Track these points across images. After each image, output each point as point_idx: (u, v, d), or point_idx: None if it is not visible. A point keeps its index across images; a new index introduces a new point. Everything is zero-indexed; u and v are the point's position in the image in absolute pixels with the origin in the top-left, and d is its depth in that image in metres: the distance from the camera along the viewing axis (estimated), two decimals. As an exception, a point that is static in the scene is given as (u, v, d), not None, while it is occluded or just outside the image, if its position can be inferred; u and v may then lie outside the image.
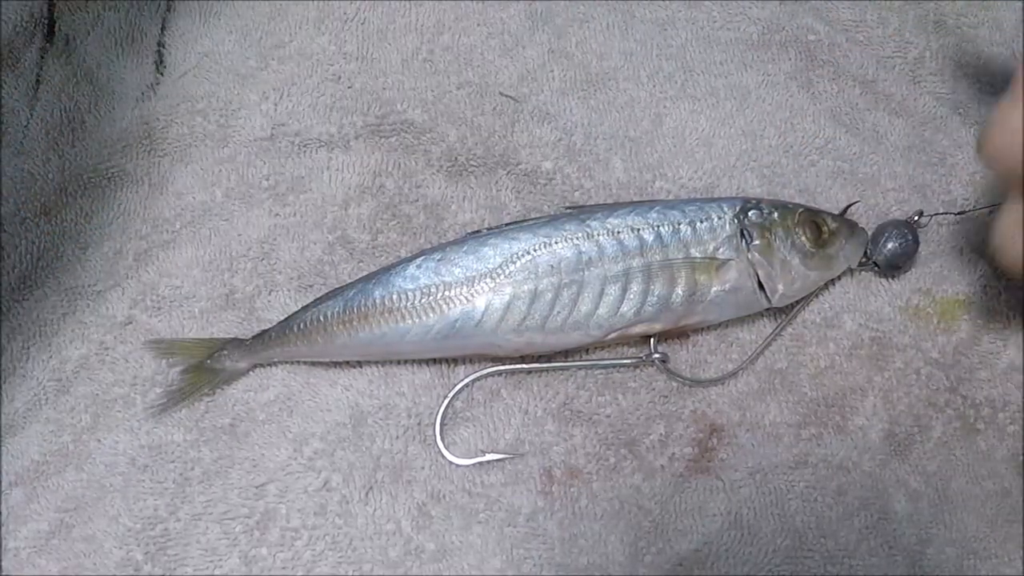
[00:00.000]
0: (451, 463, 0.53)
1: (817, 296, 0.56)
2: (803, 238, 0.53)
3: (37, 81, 0.64)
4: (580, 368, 0.55)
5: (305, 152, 0.61)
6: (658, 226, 0.53)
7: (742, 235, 0.53)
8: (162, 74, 0.64)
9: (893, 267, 0.55)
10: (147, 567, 0.52)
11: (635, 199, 0.58)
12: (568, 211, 0.56)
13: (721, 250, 0.53)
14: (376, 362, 0.55)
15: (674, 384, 0.55)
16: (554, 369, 0.55)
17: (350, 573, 0.51)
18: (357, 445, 0.54)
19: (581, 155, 0.60)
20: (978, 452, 0.53)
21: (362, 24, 0.64)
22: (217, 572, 0.52)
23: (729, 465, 0.53)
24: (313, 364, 0.56)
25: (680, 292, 0.52)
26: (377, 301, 0.53)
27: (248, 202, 0.60)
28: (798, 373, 0.55)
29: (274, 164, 0.60)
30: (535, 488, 0.52)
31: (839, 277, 0.56)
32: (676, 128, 0.60)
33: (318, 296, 0.56)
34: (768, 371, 0.55)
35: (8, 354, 0.57)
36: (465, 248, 0.54)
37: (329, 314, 0.54)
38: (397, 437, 0.54)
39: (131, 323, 0.57)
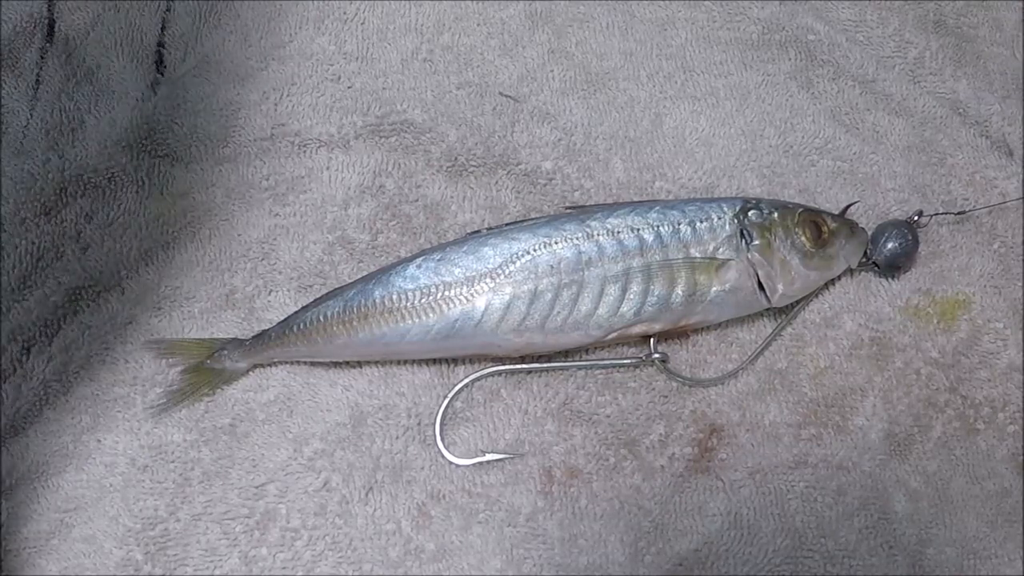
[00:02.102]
0: (451, 463, 0.53)
1: (817, 296, 0.56)
2: (803, 238, 0.53)
3: (37, 81, 0.64)
4: (580, 368, 0.55)
5: (305, 152, 0.61)
6: (658, 226, 0.53)
7: (742, 235, 0.53)
8: (162, 74, 0.64)
9: (893, 267, 0.55)
10: (147, 567, 0.52)
11: (635, 199, 0.58)
12: (568, 211, 0.56)
13: (721, 250, 0.53)
14: (376, 362, 0.55)
15: (674, 384, 0.55)
16: (554, 369, 0.55)
17: (350, 573, 0.51)
18: (357, 445, 0.54)
19: (581, 155, 0.60)
20: (978, 452, 0.53)
21: (362, 24, 0.64)
22: (217, 572, 0.52)
23: (729, 465, 0.53)
24: (313, 364, 0.56)
25: (680, 292, 0.52)
26: (377, 301, 0.53)
27: (248, 202, 0.60)
28: (798, 373, 0.55)
29: (274, 164, 0.60)
30: (535, 488, 0.52)
31: (839, 277, 0.56)
32: (676, 128, 0.60)
33: (318, 296, 0.56)
34: (768, 371, 0.55)
35: (8, 354, 0.57)
36: (465, 248, 0.54)
37: (329, 314, 0.54)
38: (397, 437, 0.54)
39: (131, 323, 0.57)
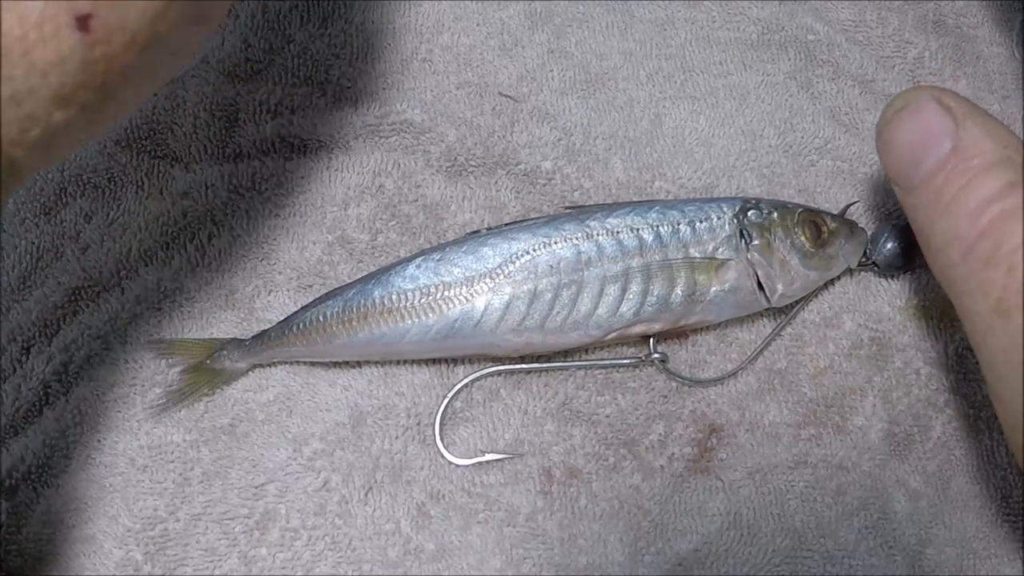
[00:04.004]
0: (450, 463, 0.53)
1: (817, 296, 0.56)
2: (802, 238, 0.53)
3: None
4: (580, 368, 0.55)
5: (305, 152, 0.61)
6: (657, 226, 0.53)
7: (741, 235, 0.53)
8: (162, 74, 0.64)
9: (893, 267, 0.55)
10: (147, 567, 0.52)
11: (634, 199, 0.58)
12: (568, 211, 0.57)
13: (720, 250, 0.53)
14: (376, 362, 0.56)
15: (674, 384, 0.55)
16: (554, 369, 0.55)
17: (350, 573, 0.51)
18: (356, 445, 0.54)
19: (581, 155, 0.60)
20: (978, 452, 0.53)
21: (362, 24, 0.64)
22: (217, 572, 0.52)
23: (729, 465, 0.53)
24: (313, 364, 0.56)
25: (679, 292, 0.52)
26: (376, 301, 0.53)
27: (248, 202, 0.60)
28: (798, 373, 0.55)
29: (274, 164, 0.60)
30: (535, 488, 0.53)
31: (839, 277, 0.56)
32: (676, 128, 0.60)
33: (318, 296, 0.56)
34: (768, 371, 0.55)
35: (8, 354, 0.57)
36: (464, 248, 0.54)
37: (328, 314, 0.54)
38: (397, 437, 0.54)
39: (131, 323, 0.57)
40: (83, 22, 0.34)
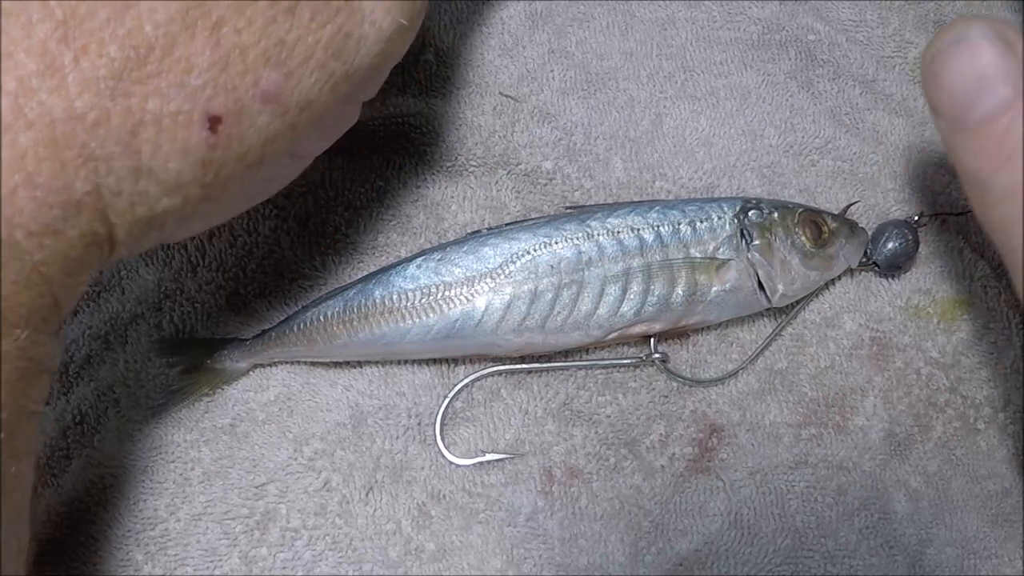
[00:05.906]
0: (451, 463, 0.53)
1: (817, 296, 0.56)
2: (803, 238, 0.53)
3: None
4: (580, 368, 0.55)
5: (305, 152, 0.61)
6: (658, 226, 0.53)
7: (742, 235, 0.53)
8: (162, 74, 0.64)
9: (893, 267, 0.55)
10: (147, 567, 0.52)
11: (635, 199, 0.58)
12: (568, 211, 0.57)
13: (721, 250, 0.53)
14: (376, 362, 0.56)
15: (674, 384, 0.55)
16: (554, 369, 0.55)
17: (350, 573, 0.51)
18: (357, 445, 0.54)
19: (581, 155, 0.60)
20: (979, 452, 0.53)
21: (362, 24, 0.64)
22: (217, 572, 0.52)
23: (729, 465, 0.53)
24: (313, 364, 0.56)
25: (680, 292, 0.52)
26: (377, 301, 0.53)
27: (248, 202, 0.60)
28: (798, 373, 0.55)
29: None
30: (535, 488, 0.53)
31: (839, 277, 0.56)
32: (676, 128, 0.60)
33: (318, 296, 0.56)
34: (768, 371, 0.55)
35: (8, 354, 0.56)
36: (465, 248, 0.54)
37: (329, 314, 0.54)
38: (397, 437, 0.54)
39: (132, 323, 0.57)
40: (213, 123, 0.37)
